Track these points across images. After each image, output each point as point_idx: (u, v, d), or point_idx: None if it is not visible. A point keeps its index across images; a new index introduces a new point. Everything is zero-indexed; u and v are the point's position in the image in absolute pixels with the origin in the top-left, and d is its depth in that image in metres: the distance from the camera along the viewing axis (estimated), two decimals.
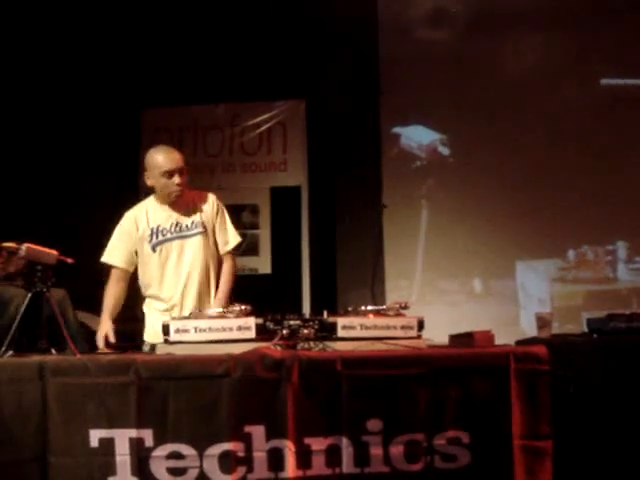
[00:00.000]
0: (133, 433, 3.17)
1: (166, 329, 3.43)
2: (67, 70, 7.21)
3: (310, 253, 7.29)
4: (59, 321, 3.63)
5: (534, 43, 7.09)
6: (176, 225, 4.35)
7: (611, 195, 6.91)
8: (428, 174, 7.32)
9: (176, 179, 4.26)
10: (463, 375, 3.26)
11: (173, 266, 4.33)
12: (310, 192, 7.44)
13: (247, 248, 7.31)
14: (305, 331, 3.39)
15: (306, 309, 6.87)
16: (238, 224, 7.54)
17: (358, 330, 3.44)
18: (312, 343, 3.37)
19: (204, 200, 4.46)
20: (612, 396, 3.73)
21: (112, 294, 4.40)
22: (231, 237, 4.51)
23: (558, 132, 6.97)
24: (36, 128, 7.10)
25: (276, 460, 3.17)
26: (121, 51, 7.32)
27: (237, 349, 3.28)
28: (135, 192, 7.67)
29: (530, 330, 5.03)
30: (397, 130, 7.34)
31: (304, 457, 3.17)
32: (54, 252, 3.77)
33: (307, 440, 3.17)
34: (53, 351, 3.65)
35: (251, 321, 3.42)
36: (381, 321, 3.49)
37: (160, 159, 4.29)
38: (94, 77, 7.28)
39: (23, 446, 3.17)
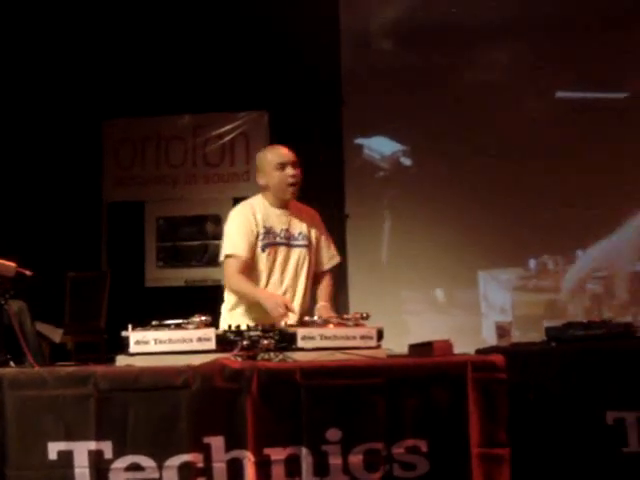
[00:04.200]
0: (92, 445, 3.13)
1: (126, 341, 3.41)
2: (28, 81, 7.18)
3: None
4: (17, 333, 3.61)
5: (493, 56, 7.19)
6: (286, 231, 4.20)
7: (571, 205, 7.00)
8: (390, 185, 7.38)
9: (289, 171, 4.12)
10: (421, 384, 3.27)
11: (279, 272, 4.18)
12: None
13: (210, 259, 7.32)
14: (265, 342, 3.39)
15: None
16: (201, 235, 7.61)
17: (318, 340, 3.44)
18: (272, 354, 3.37)
19: (311, 216, 4.35)
20: (570, 403, 3.78)
21: (247, 280, 4.11)
22: (336, 254, 4.41)
23: (518, 143, 7.07)
24: None
25: (235, 471, 3.15)
26: (83, 62, 7.31)
27: (197, 360, 3.27)
28: (98, 203, 7.69)
29: (492, 339, 5.07)
30: (359, 141, 7.39)
31: (264, 467, 3.16)
32: (12, 264, 3.74)
33: (266, 450, 3.16)
34: (11, 363, 3.62)
35: (211, 332, 3.41)
36: (340, 331, 3.49)
37: (269, 154, 4.21)
38: (56, 88, 7.26)
39: None
